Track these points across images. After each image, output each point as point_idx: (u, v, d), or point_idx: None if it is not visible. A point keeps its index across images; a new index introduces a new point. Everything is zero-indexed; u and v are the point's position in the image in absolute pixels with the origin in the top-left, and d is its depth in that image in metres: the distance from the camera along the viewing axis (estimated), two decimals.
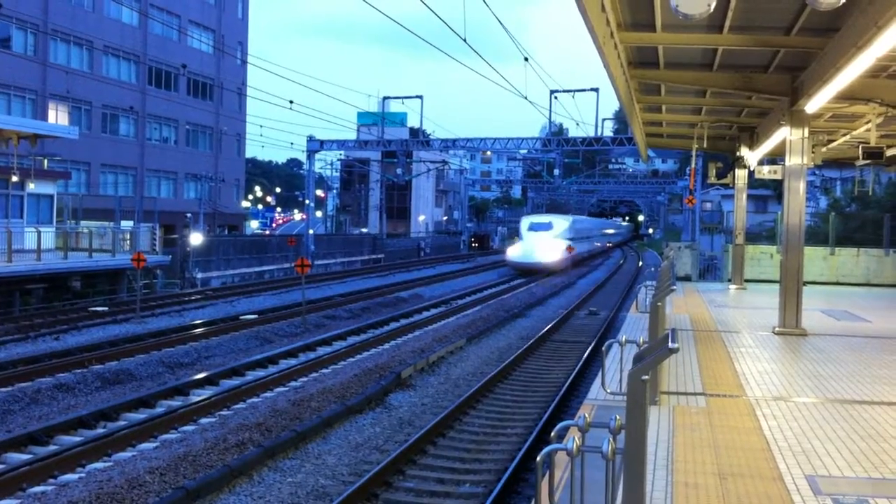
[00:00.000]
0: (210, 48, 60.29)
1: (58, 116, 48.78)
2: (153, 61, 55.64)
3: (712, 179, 29.18)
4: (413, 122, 77.62)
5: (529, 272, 48.85)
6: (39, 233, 28.06)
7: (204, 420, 14.00)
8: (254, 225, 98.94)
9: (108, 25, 51.73)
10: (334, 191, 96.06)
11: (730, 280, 27.92)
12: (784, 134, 16.51)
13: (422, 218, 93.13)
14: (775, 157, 24.91)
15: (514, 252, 51.32)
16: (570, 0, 9.93)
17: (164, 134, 58.60)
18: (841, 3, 8.12)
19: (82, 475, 11.07)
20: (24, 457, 11.98)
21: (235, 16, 65.15)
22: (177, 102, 57.30)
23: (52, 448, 12.42)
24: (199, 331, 23.20)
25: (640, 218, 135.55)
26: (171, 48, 57.25)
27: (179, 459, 11.54)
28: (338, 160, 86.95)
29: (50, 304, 27.46)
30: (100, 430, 13.47)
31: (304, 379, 17.50)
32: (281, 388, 16.56)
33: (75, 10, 49.65)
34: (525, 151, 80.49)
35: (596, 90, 53.25)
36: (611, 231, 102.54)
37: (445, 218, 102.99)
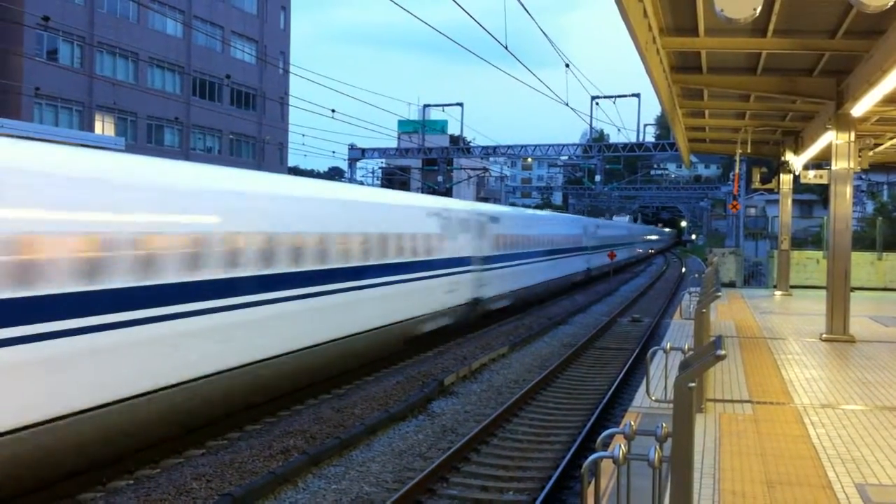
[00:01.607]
0: (253, 58, 60.85)
1: (104, 127, 49.51)
2: (197, 72, 56.28)
3: (756, 184, 28.91)
4: (453, 129, 77.71)
5: None
6: None
7: (249, 427, 14.10)
8: None
9: (152, 37, 52.39)
10: None
11: (775, 286, 27.60)
12: (829, 138, 16.32)
13: None
14: (821, 162, 24.62)
15: None
16: (611, 6, 9.93)
17: (208, 144, 59.22)
18: (889, 5, 8.00)
19: (130, 482, 11.21)
20: None
21: (277, 26, 65.68)
22: (220, 112, 57.88)
23: None
24: None
25: (683, 224, 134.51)
26: (214, 59, 57.87)
27: (225, 466, 11.66)
28: (379, 168, 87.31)
29: None
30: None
31: (348, 386, 17.58)
32: (324, 395, 16.64)
33: (120, 23, 50.36)
34: (566, 158, 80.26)
35: (637, 96, 53.21)
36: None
37: None
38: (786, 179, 26.47)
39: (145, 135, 52.66)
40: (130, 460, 11.68)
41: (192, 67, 55.75)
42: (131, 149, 46.17)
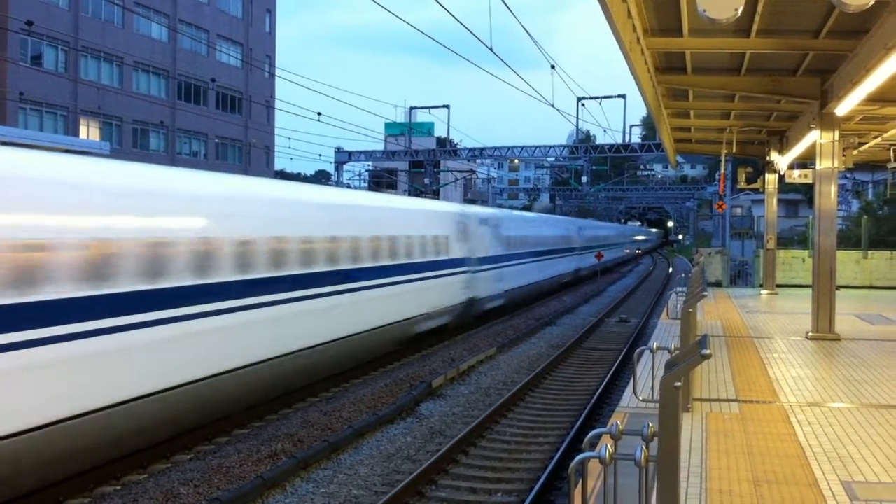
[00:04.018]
0: (238, 62, 60.74)
1: (89, 132, 49.31)
2: (183, 76, 56.11)
3: (742, 184, 29.01)
4: (440, 131, 77.83)
5: None
6: None
7: (237, 431, 14.06)
8: None
9: (137, 41, 52.20)
10: None
11: (761, 285, 27.70)
12: (814, 137, 16.39)
13: None
14: (806, 161, 24.71)
15: None
16: (596, 7, 9.94)
17: (194, 148, 59.00)
18: (870, 5, 8.06)
19: (117, 487, 11.17)
20: None
21: (263, 29, 65.56)
22: (206, 116, 57.74)
23: None
24: None
25: (670, 224, 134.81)
26: (200, 63, 57.69)
27: (213, 471, 11.62)
28: (366, 171, 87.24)
29: None
30: None
31: (336, 389, 17.55)
32: (312, 399, 16.61)
33: (105, 27, 50.16)
34: (553, 159, 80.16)
35: (623, 96, 53.23)
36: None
37: None
38: (771, 179, 26.56)
39: (131, 139, 52.48)
40: (118, 466, 11.63)
41: (177, 71, 55.58)
42: (116, 153, 45.99)
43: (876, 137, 22.53)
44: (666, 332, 17.17)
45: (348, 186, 56.55)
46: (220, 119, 59.01)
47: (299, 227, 16.17)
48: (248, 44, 62.83)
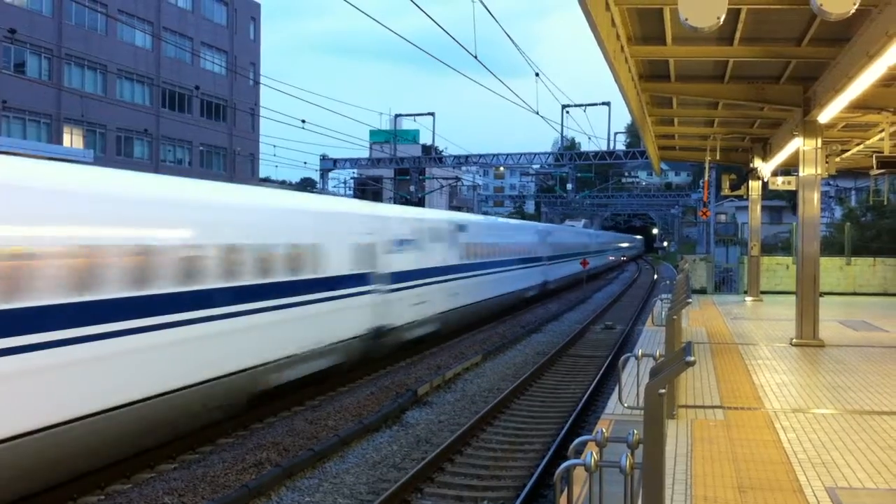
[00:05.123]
0: (223, 69, 60.64)
1: (72, 140, 49.09)
2: (167, 84, 55.95)
3: (726, 191, 29.15)
4: (425, 138, 77.72)
5: None
6: None
7: (222, 440, 14.01)
8: None
9: (121, 49, 52.06)
10: None
11: (746, 292, 27.80)
12: (797, 144, 16.48)
13: None
14: (789, 168, 24.83)
15: None
16: (580, 15, 9.97)
17: (179, 155, 58.83)
18: (851, 13, 8.12)
19: (101, 497, 11.10)
20: None
21: (247, 37, 65.49)
22: (190, 124, 57.58)
23: None
24: None
25: (654, 231, 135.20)
26: (184, 70, 57.57)
27: (198, 480, 11.56)
28: (351, 178, 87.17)
29: None
30: None
31: (321, 397, 17.50)
32: (297, 407, 16.56)
33: (89, 35, 50.00)
34: (538, 166, 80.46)
35: (608, 104, 53.34)
36: None
37: None
38: (755, 186, 26.68)
39: (114, 147, 52.29)
40: (102, 475, 11.56)
41: (161, 79, 55.43)
42: (100, 161, 45.77)
43: (858, 144, 22.66)
44: (651, 339, 17.20)
45: (334, 194, 56.48)
46: (204, 127, 58.91)
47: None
48: (233, 51, 62.74)
